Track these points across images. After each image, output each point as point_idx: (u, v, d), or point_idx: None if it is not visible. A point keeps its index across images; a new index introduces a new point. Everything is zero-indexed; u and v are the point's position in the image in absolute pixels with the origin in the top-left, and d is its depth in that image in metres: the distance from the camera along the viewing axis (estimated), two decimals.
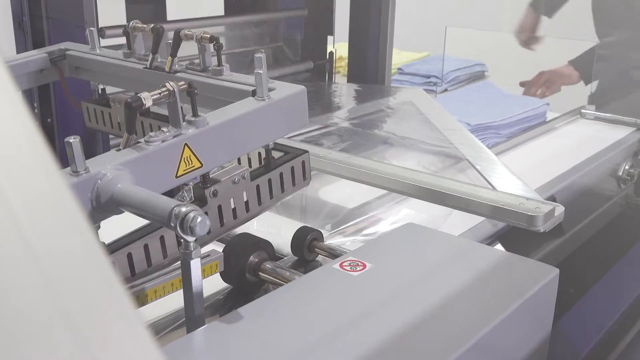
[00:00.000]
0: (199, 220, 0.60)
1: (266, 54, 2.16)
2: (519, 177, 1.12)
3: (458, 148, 1.27)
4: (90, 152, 1.20)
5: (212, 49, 0.93)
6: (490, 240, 1.12)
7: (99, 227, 0.70)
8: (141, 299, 0.70)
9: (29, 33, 1.31)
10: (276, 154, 0.93)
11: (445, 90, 2.35)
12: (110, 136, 1.32)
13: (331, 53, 2.02)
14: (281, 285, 0.76)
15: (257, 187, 0.87)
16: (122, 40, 1.08)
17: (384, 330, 0.62)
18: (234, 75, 0.93)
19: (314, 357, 0.59)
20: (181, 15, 1.85)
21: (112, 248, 0.73)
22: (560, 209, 0.92)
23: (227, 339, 0.61)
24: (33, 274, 0.20)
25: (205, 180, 0.80)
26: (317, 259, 0.94)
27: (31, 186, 0.23)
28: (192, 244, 0.63)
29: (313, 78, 2.02)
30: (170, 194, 0.79)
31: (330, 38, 2.01)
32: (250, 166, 0.94)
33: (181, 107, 0.75)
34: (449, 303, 0.68)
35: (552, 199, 1.23)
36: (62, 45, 1.12)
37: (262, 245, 0.85)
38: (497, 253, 0.80)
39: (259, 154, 0.93)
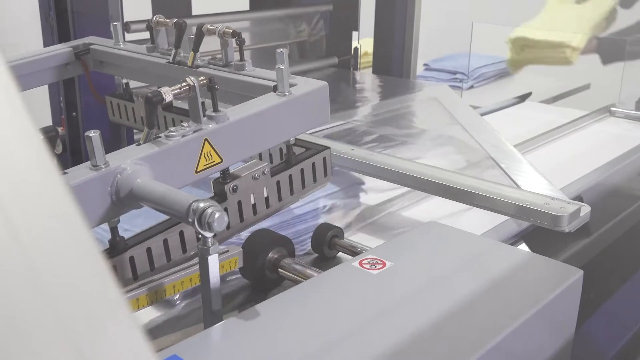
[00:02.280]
0: (217, 216, 0.59)
1: (291, 49, 2.15)
2: (544, 176, 1.11)
3: (482, 146, 1.25)
4: (114, 146, 1.22)
5: (234, 44, 0.93)
6: (515, 240, 1.10)
7: (118, 222, 0.70)
8: (159, 294, 0.70)
9: (54, 27, 1.32)
10: (297, 150, 0.92)
11: (472, 87, 2.33)
12: (134, 130, 1.32)
13: (356, 48, 2.00)
14: (300, 282, 0.76)
15: (278, 183, 0.86)
16: (147, 35, 1.08)
17: (400, 331, 0.61)
18: (256, 70, 0.92)
19: (329, 356, 0.58)
20: (206, 9, 1.85)
21: (132, 242, 0.73)
22: (586, 209, 0.91)
23: (244, 335, 0.61)
24: (26, 276, 0.20)
25: (225, 176, 0.80)
26: (338, 256, 0.93)
27: (28, 188, 0.22)
28: (210, 239, 0.63)
29: (338, 74, 2.01)
30: None
31: (355, 34, 2.00)
32: (271, 162, 0.93)
33: (202, 102, 0.75)
34: (469, 304, 0.67)
35: (579, 198, 1.21)
36: (87, 40, 1.13)
37: (282, 242, 0.84)
38: (519, 253, 0.79)
39: (280, 149, 0.93)
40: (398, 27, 1.96)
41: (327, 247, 0.92)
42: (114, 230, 0.70)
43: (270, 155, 0.97)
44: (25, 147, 0.23)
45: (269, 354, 0.58)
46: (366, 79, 2.03)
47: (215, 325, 0.63)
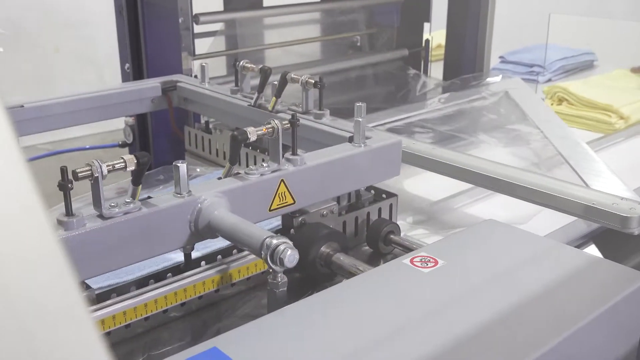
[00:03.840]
0: (288, 253, 0.62)
1: (361, 40, 2.13)
2: (616, 175, 1.05)
3: (552, 142, 1.20)
4: (174, 149, 1.34)
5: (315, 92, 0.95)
6: (584, 241, 1.06)
7: (192, 249, 0.75)
8: (225, 279, 0.75)
9: (125, 23, 1.35)
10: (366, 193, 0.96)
11: (549, 80, 2.24)
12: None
13: (427, 40, 1.96)
14: (351, 277, 0.75)
15: (344, 222, 0.90)
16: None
17: (446, 332, 0.59)
18: (334, 120, 0.95)
19: (371, 353, 0.57)
20: (276, 2, 1.86)
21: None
22: None
23: (286, 329, 0.60)
24: None
25: (295, 211, 0.82)
26: (394, 252, 0.91)
27: None
28: (280, 274, 0.66)
29: (408, 66, 1.98)
30: None
31: (427, 25, 1.96)
32: (338, 202, 0.94)
33: (294, 145, 0.78)
34: (523, 306, 0.64)
35: None
36: (174, 77, 1.21)
37: (334, 236, 0.83)
38: (582, 255, 0.75)
39: (350, 193, 0.95)
40: (471, 19, 1.91)
41: (383, 242, 0.90)
42: (187, 256, 0.77)
43: (339, 197, 0.97)
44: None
45: (310, 349, 0.57)
46: (437, 72, 1.99)
47: (258, 319, 0.62)
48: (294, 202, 0.78)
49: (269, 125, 0.74)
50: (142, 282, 0.74)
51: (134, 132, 1.39)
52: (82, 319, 0.22)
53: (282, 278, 0.67)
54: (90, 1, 2.92)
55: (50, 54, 3.02)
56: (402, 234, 0.92)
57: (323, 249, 0.82)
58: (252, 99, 1.03)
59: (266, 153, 1.09)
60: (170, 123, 1.26)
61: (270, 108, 0.99)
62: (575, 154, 1.15)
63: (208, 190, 0.71)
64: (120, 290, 0.73)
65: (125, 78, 1.42)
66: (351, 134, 0.85)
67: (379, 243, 0.90)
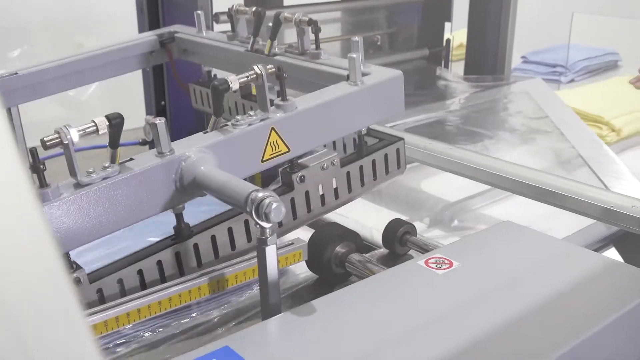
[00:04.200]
0: (273, 206, 0.58)
1: (381, 40, 2.12)
2: (638, 178, 1.03)
3: (572, 143, 1.19)
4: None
5: (310, 33, 0.92)
6: (603, 244, 1.04)
7: (183, 208, 0.71)
8: (221, 284, 0.70)
9: (146, 17, 1.36)
10: (372, 141, 0.90)
11: (572, 80, 2.22)
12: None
13: (448, 40, 1.95)
14: (365, 277, 0.74)
15: (348, 174, 0.85)
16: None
17: (457, 335, 0.58)
18: (331, 59, 0.91)
19: (382, 355, 0.56)
20: (297, 1, 1.86)
21: (197, 229, 0.73)
22: None
23: (298, 330, 0.60)
24: None
25: (294, 166, 0.79)
26: (410, 253, 0.91)
27: None
28: (267, 230, 0.61)
29: (428, 66, 1.97)
30: None
31: (447, 25, 1.95)
32: (345, 152, 0.92)
33: (277, 90, 0.74)
34: (539, 309, 0.63)
35: None
36: (172, 28, 1.15)
37: (349, 237, 0.83)
38: (599, 259, 0.74)
39: (354, 139, 0.91)
40: (493, 18, 1.89)
41: (399, 243, 0.89)
42: (179, 216, 0.71)
43: (344, 145, 0.95)
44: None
45: (322, 349, 0.57)
46: (457, 71, 1.97)
47: (270, 319, 0.62)
48: (289, 150, 0.75)
49: (252, 72, 0.71)
50: (136, 258, 0.70)
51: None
52: (70, 306, 0.22)
53: (270, 233, 0.61)
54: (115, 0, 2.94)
55: (74, 50, 3.05)
56: (421, 236, 0.92)
57: (338, 248, 0.81)
58: (249, 44, 0.99)
59: None
60: (174, 77, 1.17)
61: (266, 52, 0.95)
62: (595, 156, 1.14)
63: (192, 146, 0.68)
64: (112, 269, 0.68)
65: (145, 77, 1.43)
66: (349, 72, 0.81)
67: (395, 244, 0.89)
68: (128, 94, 1.68)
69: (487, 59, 1.93)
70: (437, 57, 1.97)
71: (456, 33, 1.99)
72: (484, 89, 1.73)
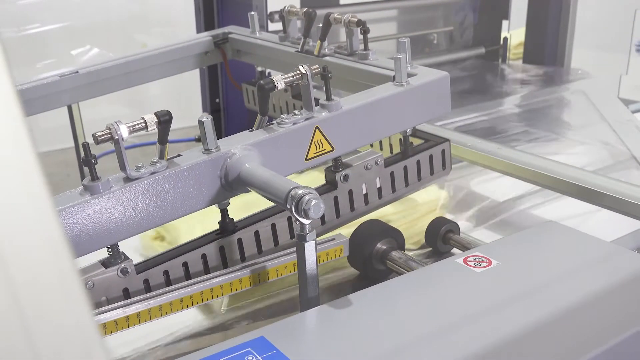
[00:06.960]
0: (313, 203, 0.60)
1: (438, 38, 2.11)
2: None
3: (627, 144, 1.16)
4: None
5: (359, 33, 0.93)
6: None
7: (228, 204, 0.73)
8: (262, 277, 0.72)
9: (201, 17, 1.39)
10: (417, 141, 0.91)
11: None
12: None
13: (505, 39, 1.93)
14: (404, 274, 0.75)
15: (392, 174, 0.86)
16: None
17: (489, 334, 0.59)
18: (380, 59, 0.92)
19: (418, 350, 0.57)
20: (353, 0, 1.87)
21: (241, 225, 0.76)
22: None
23: (333, 323, 0.61)
24: None
25: (337, 164, 0.81)
26: (452, 251, 0.91)
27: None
28: (307, 226, 0.63)
29: (485, 64, 1.95)
30: None
31: (505, 23, 1.92)
32: (391, 152, 0.93)
33: (328, 90, 0.75)
34: (576, 308, 0.63)
35: None
36: (227, 29, 1.18)
37: (391, 233, 0.84)
38: None
39: (400, 140, 0.92)
40: (553, 16, 1.86)
41: (441, 241, 0.90)
42: (223, 212, 0.74)
43: (391, 145, 0.96)
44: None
45: (358, 343, 0.58)
46: (514, 70, 1.95)
47: (305, 311, 0.64)
48: (333, 149, 0.76)
49: (297, 72, 0.72)
50: (182, 251, 0.72)
51: None
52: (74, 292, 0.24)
53: (309, 229, 0.63)
54: (174, 1, 3.02)
55: (139, 50, 3.13)
56: (465, 234, 0.92)
57: (379, 245, 0.82)
58: (299, 44, 1.00)
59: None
60: (228, 77, 1.21)
61: (315, 52, 0.97)
62: None
63: (237, 144, 0.70)
64: (158, 260, 0.70)
65: (202, 76, 1.47)
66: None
67: (438, 242, 0.90)
68: (189, 92, 1.72)
69: (546, 57, 1.89)
70: (494, 55, 1.94)
71: (514, 32, 1.96)
72: (538, 88, 1.70)
